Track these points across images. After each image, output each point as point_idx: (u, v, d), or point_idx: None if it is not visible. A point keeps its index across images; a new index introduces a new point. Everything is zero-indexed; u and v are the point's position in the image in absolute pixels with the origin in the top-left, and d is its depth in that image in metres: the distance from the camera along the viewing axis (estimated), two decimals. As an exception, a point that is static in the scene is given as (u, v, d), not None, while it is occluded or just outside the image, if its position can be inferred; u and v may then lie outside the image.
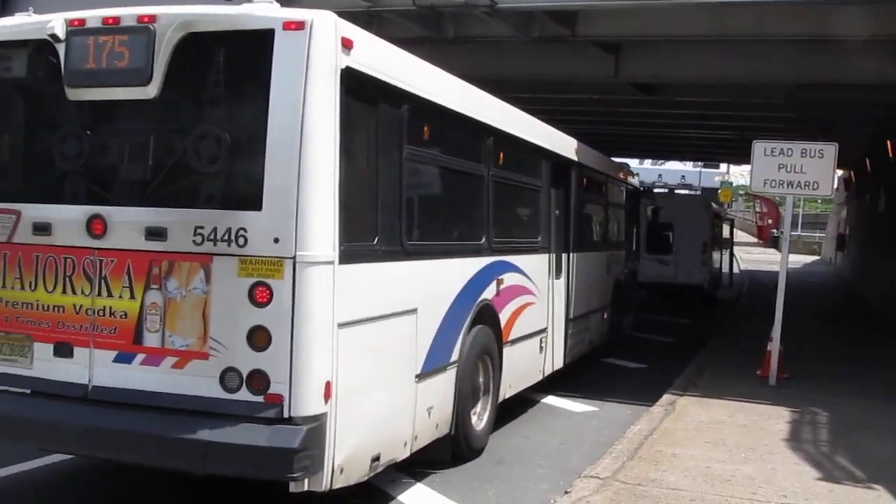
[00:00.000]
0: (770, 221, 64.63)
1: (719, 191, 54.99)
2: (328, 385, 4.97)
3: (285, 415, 4.85)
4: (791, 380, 11.23)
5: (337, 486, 5.15)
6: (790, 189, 11.09)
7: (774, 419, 9.10)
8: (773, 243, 59.83)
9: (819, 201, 62.09)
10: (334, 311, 5.01)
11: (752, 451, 7.73)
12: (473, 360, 7.26)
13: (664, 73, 16.37)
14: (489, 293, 7.65)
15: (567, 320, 10.54)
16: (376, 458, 5.65)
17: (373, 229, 5.61)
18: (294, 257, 4.83)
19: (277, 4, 5.06)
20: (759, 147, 11.24)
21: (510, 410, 8.88)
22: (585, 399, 10.26)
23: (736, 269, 32.38)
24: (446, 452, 7.01)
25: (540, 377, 9.61)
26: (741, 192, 74.09)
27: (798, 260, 43.63)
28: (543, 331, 9.56)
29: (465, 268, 7.18)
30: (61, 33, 5.24)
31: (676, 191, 26.09)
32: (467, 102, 7.19)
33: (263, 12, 4.99)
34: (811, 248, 56.33)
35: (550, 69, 16.59)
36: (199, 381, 4.98)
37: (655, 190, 24.10)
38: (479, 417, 7.63)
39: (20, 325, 5.42)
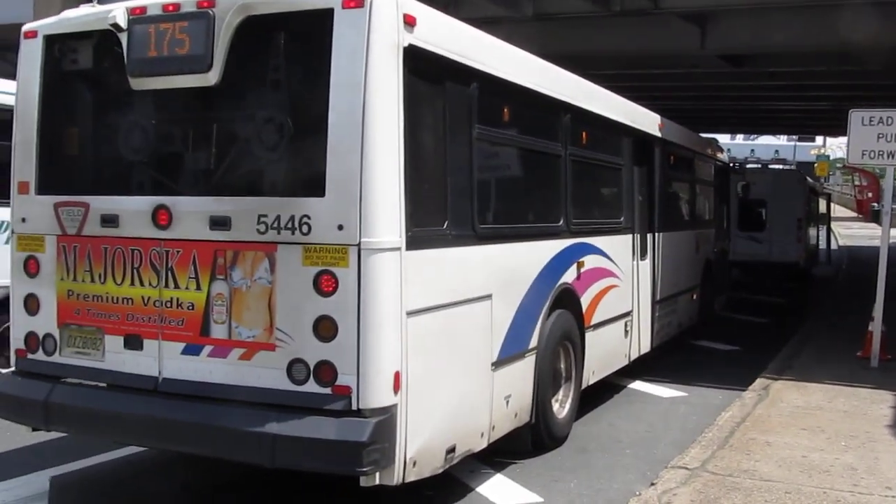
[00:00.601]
0: (870, 195, 62.26)
1: (815, 164, 53.24)
2: (397, 375, 4.80)
3: (354, 407, 4.69)
4: (894, 362, 10.67)
5: (409, 479, 4.97)
6: (891, 160, 10.53)
7: (877, 404, 8.61)
8: (874, 217, 57.56)
9: (923, 172, 59.44)
10: (402, 299, 4.82)
11: (852, 438, 7.30)
12: (554, 345, 7.01)
13: (753, 44, 15.79)
14: (569, 276, 7.39)
15: (654, 302, 10.18)
16: (451, 450, 5.46)
17: (442, 213, 5.39)
18: (359, 244, 4.66)
19: None
20: (856, 116, 10.68)
21: (594, 396, 8.62)
22: (674, 384, 9.93)
23: (834, 246, 31.24)
24: (527, 442, 6.80)
25: (625, 362, 9.30)
26: (838, 165, 71.42)
27: (900, 234, 41.95)
28: (628, 314, 9.24)
29: (543, 251, 6.93)
30: (123, 22, 5.17)
31: (770, 166, 25.19)
32: (540, 78, 6.90)
33: None
34: (914, 221, 53.80)
35: (633, 44, 16.29)
36: (267, 373, 4.88)
37: (748, 165, 23.25)
38: (561, 405, 7.39)
39: (92, 318, 5.41)
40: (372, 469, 4.68)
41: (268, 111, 4.96)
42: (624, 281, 9.00)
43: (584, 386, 7.85)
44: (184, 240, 5.10)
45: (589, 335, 7.86)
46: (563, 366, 7.41)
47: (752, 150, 61.75)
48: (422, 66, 5.06)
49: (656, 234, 10.27)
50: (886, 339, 10.72)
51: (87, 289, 5.41)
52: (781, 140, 64.39)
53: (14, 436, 6.54)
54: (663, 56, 17.43)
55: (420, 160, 5.11)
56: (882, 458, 6.76)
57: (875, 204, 59.31)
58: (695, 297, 12.52)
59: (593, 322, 8.02)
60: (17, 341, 5.71)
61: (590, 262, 7.91)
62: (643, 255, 9.75)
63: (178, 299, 5.13)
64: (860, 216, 63.05)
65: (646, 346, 9.99)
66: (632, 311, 9.34)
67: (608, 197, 9.17)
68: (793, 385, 9.33)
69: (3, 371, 5.80)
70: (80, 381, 5.47)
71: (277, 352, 4.86)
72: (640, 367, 9.98)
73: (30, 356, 5.65)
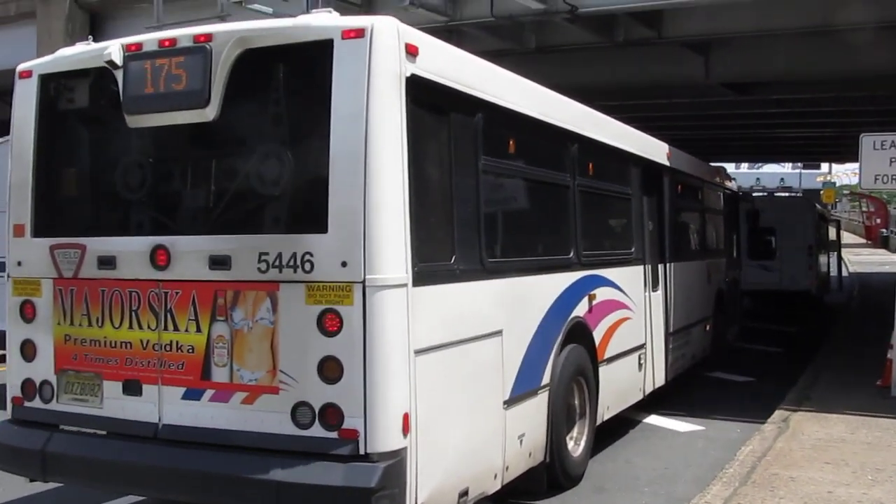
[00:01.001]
0: (878, 220, 62.34)
1: (821, 192, 53.17)
2: (406, 417, 4.59)
3: (361, 451, 4.49)
4: (915, 390, 10.41)
5: None
6: None
7: None
8: (883, 243, 57.61)
9: (935, 196, 59.53)
10: (410, 338, 4.64)
11: (879, 471, 7.04)
12: (567, 381, 6.80)
13: (758, 71, 15.76)
14: (581, 310, 7.19)
15: (667, 334, 9.96)
16: (464, 493, 5.24)
17: (449, 248, 5.22)
18: (363, 281, 4.48)
19: (336, 14, 4.75)
20: (867, 141, 10.47)
21: (610, 432, 8.39)
22: (690, 417, 9.69)
23: (845, 272, 31.01)
24: (542, 482, 6.57)
25: (640, 396, 9.07)
26: (845, 191, 71.41)
27: (912, 259, 41.78)
28: (642, 347, 9.01)
29: (553, 284, 6.74)
30: (118, 59, 5.05)
31: (776, 194, 25.27)
32: (546, 107, 6.76)
33: (321, 22, 4.69)
34: (928, 246, 53.95)
35: (638, 74, 16.30)
36: (270, 417, 4.68)
37: (754, 194, 23.27)
38: (576, 442, 7.15)
39: (90, 363, 5.23)
40: None
41: (267, 146, 4.84)
42: (636, 313, 8.79)
43: (598, 422, 7.62)
44: (183, 280, 4.93)
45: (602, 369, 7.63)
46: (576, 402, 7.18)
47: (758, 179, 61.89)
48: (425, 97, 4.92)
49: (668, 265, 10.07)
50: (905, 368, 10.42)
51: (85, 333, 5.23)
52: (786, 168, 64.47)
53: (13, 486, 6.32)
54: (668, 85, 17.36)
55: (425, 193, 4.96)
56: (912, 492, 6.52)
57: (884, 230, 59.31)
58: (708, 327, 12.29)
59: (607, 356, 7.81)
60: (13, 388, 5.52)
61: (601, 294, 7.71)
62: (655, 286, 9.55)
63: (177, 342, 4.93)
64: (869, 242, 62.98)
65: (661, 380, 9.75)
66: (645, 344, 9.12)
67: (618, 227, 8.98)
68: (812, 416, 9.09)
69: (1, 420, 5.58)
70: (78, 428, 5.28)
71: (281, 395, 4.66)
72: (656, 401, 9.75)
73: (27, 404, 5.47)
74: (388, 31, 4.63)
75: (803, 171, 64.82)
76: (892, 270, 32.19)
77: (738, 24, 13.35)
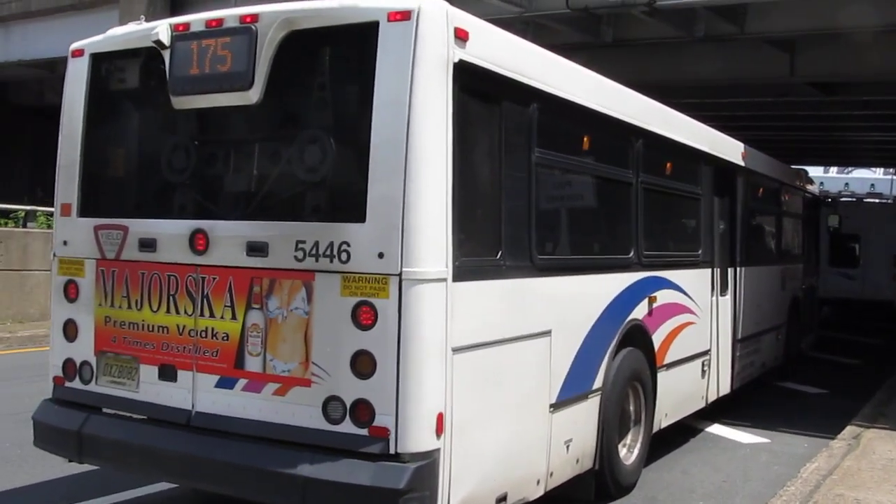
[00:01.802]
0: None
1: (913, 199, 51.28)
2: (440, 417, 4.40)
3: (391, 450, 4.31)
4: None
5: None
6: None
7: None
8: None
9: None
10: (448, 335, 4.43)
11: None
12: (621, 386, 6.52)
13: (847, 71, 15.24)
14: (639, 312, 6.90)
15: (734, 341, 9.57)
16: (502, 499, 5.03)
17: (496, 242, 4.99)
18: (400, 274, 4.29)
19: None
20: None
21: (669, 440, 8.09)
22: (755, 429, 9.31)
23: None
24: (590, 490, 6.30)
25: (702, 404, 8.71)
26: (939, 198, 68.84)
27: None
28: (706, 353, 8.66)
29: (610, 285, 6.46)
30: (166, 39, 4.93)
31: (865, 200, 24.65)
32: (609, 100, 6.46)
33: (368, 3, 4.49)
34: None
35: (718, 71, 15.85)
36: (301, 410, 4.54)
37: (842, 199, 22.67)
38: (629, 450, 6.87)
39: (128, 346, 5.16)
40: None
41: (309, 131, 4.69)
42: (701, 318, 8.44)
43: (655, 430, 7.32)
44: (220, 266, 4.82)
45: (661, 375, 7.33)
46: (631, 408, 6.90)
47: (847, 184, 59.79)
48: (474, 84, 4.71)
49: (738, 269, 9.66)
50: None
51: (124, 315, 5.17)
52: (878, 174, 62.05)
53: (52, 465, 6.35)
54: (750, 84, 16.86)
55: (471, 184, 4.76)
56: None
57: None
58: (780, 336, 11.81)
59: (666, 361, 7.49)
60: (55, 368, 5.50)
61: (663, 296, 7.40)
62: (723, 291, 9.17)
63: (213, 329, 4.83)
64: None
65: (725, 388, 9.37)
66: (710, 350, 8.75)
67: (685, 228, 8.62)
68: (887, 434, 8.64)
69: (43, 399, 5.58)
70: (115, 411, 5.24)
71: (313, 388, 4.52)
72: (720, 409, 9.41)
73: (67, 384, 5.45)
74: (436, 13, 4.42)
75: (894, 177, 62.52)
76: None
77: (826, 21, 12.85)
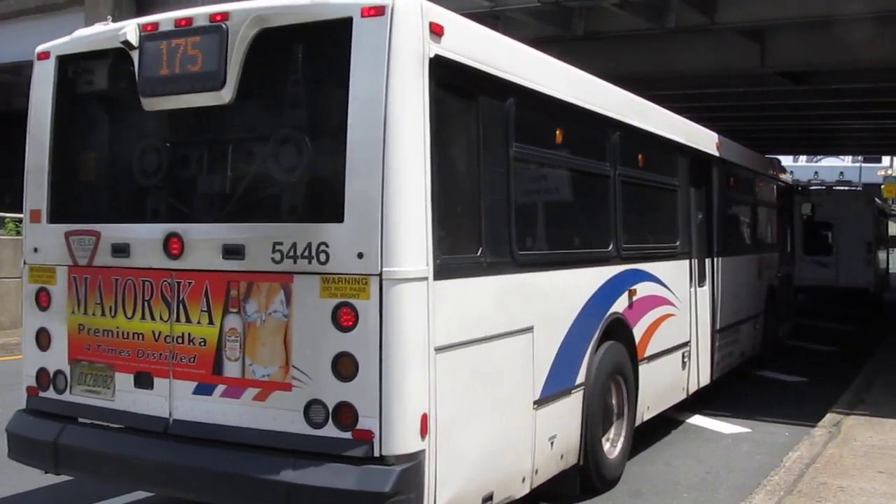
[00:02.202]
0: (940, 216, 61.10)
1: (882, 186, 51.87)
2: (425, 418, 4.36)
3: (376, 453, 4.26)
4: (977, 395, 9.96)
5: None
6: None
7: None
8: (944, 240, 56.35)
9: None
10: (430, 334, 4.39)
11: None
12: (603, 380, 6.51)
13: (817, 59, 15.28)
14: (620, 306, 6.88)
15: (713, 332, 9.58)
16: (489, 498, 4.99)
17: (476, 239, 4.95)
18: (380, 274, 4.25)
19: None
20: None
21: (650, 433, 8.07)
22: (736, 419, 9.35)
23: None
24: (575, 485, 6.28)
25: (683, 395, 8.72)
26: (908, 185, 69.73)
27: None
28: (686, 344, 8.66)
29: (590, 279, 6.44)
30: (134, 39, 4.85)
31: (835, 188, 25.06)
32: (585, 93, 6.44)
33: (339, 0, 4.43)
34: None
35: (689, 62, 15.87)
36: (282, 415, 4.48)
37: (812, 187, 23.00)
38: (613, 444, 6.85)
39: (102, 354, 5.07)
40: None
41: (284, 130, 4.62)
42: (681, 309, 8.45)
43: (638, 422, 7.31)
44: (196, 270, 4.74)
45: (643, 368, 7.32)
46: (614, 402, 6.89)
47: (816, 173, 60.62)
48: (451, 79, 4.66)
49: (715, 259, 9.68)
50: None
51: (98, 323, 5.08)
52: (846, 161, 62.87)
53: (30, 477, 6.23)
54: (721, 74, 16.86)
55: (450, 181, 4.71)
56: (971, 506, 6.13)
57: (947, 226, 57.89)
58: (758, 325, 11.88)
59: (647, 354, 7.49)
60: (28, 378, 5.39)
61: (643, 289, 7.38)
62: (701, 282, 9.18)
63: (189, 334, 4.75)
64: (930, 239, 61.67)
65: (705, 379, 9.39)
66: (690, 342, 8.76)
67: (662, 220, 8.59)
68: (866, 421, 8.72)
69: (17, 410, 5.47)
70: (91, 421, 5.14)
71: (294, 392, 4.45)
72: (700, 400, 9.43)
73: (41, 394, 5.34)
74: (410, 7, 4.36)
75: (863, 164, 63.27)
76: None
77: (797, 9, 12.95)
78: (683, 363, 8.58)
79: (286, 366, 4.47)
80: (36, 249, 5.39)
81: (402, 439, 4.28)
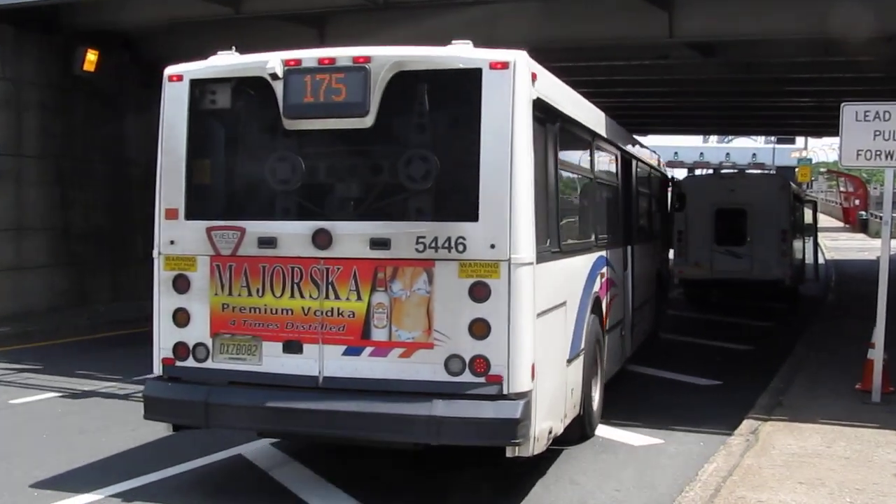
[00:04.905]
0: (857, 202, 69.20)
1: (797, 169, 58.48)
2: (533, 366, 8.30)
3: (504, 392, 8.13)
4: (898, 394, 12.62)
5: (535, 452, 8.51)
6: (889, 161, 12.35)
7: (883, 447, 10.25)
8: (862, 227, 64.28)
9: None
10: (534, 304, 8.39)
11: (858, 492, 8.64)
12: (592, 346, 11.24)
13: (728, 31, 18.95)
14: (597, 286, 11.86)
15: (633, 310, 15.42)
16: (550, 431, 9.08)
17: (546, 233, 9.13)
18: (509, 260, 8.16)
19: (471, 44, 8.54)
20: (849, 111, 12.53)
21: (552, 448, 9.76)
22: (646, 428, 11.80)
23: (821, 260, 35.12)
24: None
25: (620, 366, 14.31)
26: (821, 169, 77.43)
27: (896, 246, 46.46)
28: (623, 319, 14.35)
29: (587, 263, 11.33)
30: (280, 72, 8.68)
31: (748, 171, 28.90)
32: (586, 113, 11.55)
33: (469, 54, 8.45)
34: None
35: (592, 31, 19.52)
36: (425, 368, 8.32)
37: (723, 171, 27.26)
38: (594, 400, 11.48)
39: (248, 328, 8.86)
40: (522, 441, 8.10)
41: (420, 149, 8.47)
42: (621, 290, 14.06)
43: (603, 384, 12.04)
44: (344, 258, 8.54)
45: (607, 337, 12.49)
46: (596, 366, 11.62)
47: (728, 154, 67.60)
48: (539, 113, 8.76)
49: (633, 247, 15.49)
50: (889, 369, 12.68)
51: (243, 302, 8.86)
52: (759, 142, 69.95)
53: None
54: (627, 45, 20.84)
55: (539, 190, 8.71)
56: (895, 515, 8.21)
57: (863, 212, 65.47)
58: (652, 306, 18.38)
59: (608, 326, 12.66)
60: (164, 350, 9.18)
61: (606, 272, 12.64)
62: (625, 267, 14.69)
63: (338, 309, 8.58)
64: (847, 226, 70.07)
65: (629, 351, 15.29)
66: (624, 318, 14.55)
67: (609, 212, 13.86)
68: (785, 427, 11.01)
69: (150, 378, 9.30)
70: (236, 381, 8.85)
71: (436, 349, 8.32)
72: (607, 407, 12.09)
73: (178, 363, 9.14)
74: (524, 63, 8.38)
75: (777, 145, 70.50)
76: (873, 257, 35.75)
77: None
78: (622, 336, 14.34)
79: (429, 330, 8.33)
80: (172, 242, 9.13)
81: (521, 381, 8.18)
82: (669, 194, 22.36)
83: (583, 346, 10.93)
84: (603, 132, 12.74)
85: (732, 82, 25.53)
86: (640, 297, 16.27)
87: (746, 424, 11.19)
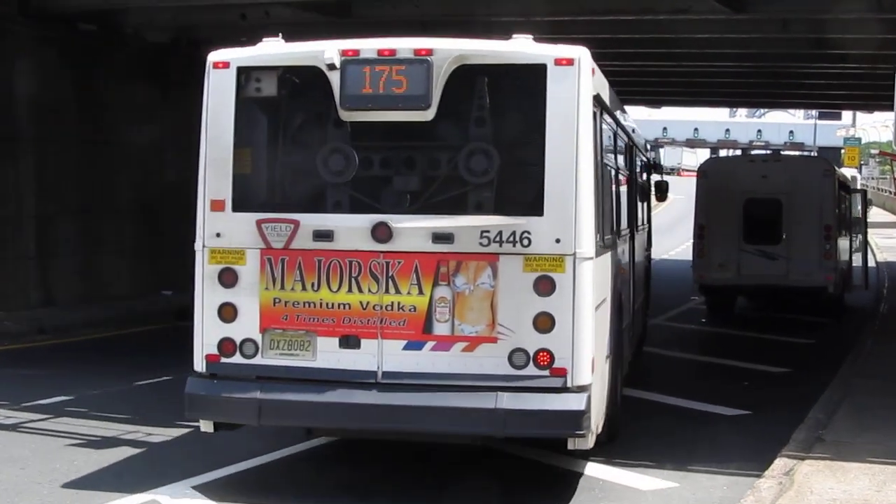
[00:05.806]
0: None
1: (842, 150, 57.40)
2: (594, 360, 9.37)
3: (568, 384, 9.15)
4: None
5: (591, 446, 9.44)
6: None
7: None
8: (923, 222, 62.91)
9: None
10: (594, 297, 9.42)
11: None
12: (619, 344, 12.20)
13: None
14: (618, 282, 12.46)
15: (633, 312, 16.29)
16: (598, 426, 9.87)
17: (602, 228, 10.25)
18: (574, 254, 9.17)
19: (531, 38, 9.43)
20: None
21: (548, 491, 10.32)
22: (658, 469, 11.30)
23: (871, 263, 34.61)
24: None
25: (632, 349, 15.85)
26: (872, 151, 76.15)
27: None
28: (630, 323, 15.19)
29: (613, 259, 11.83)
30: (337, 62, 9.34)
31: (783, 153, 27.84)
32: (617, 104, 12.91)
33: (533, 49, 9.44)
34: None
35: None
36: (488, 361, 9.28)
37: (754, 152, 26.10)
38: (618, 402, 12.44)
39: (301, 323, 9.61)
40: (585, 432, 9.08)
41: (483, 143, 9.41)
42: (629, 289, 15.05)
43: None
44: (406, 252, 9.40)
45: (624, 337, 13.61)
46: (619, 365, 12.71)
47: (759, 132, 66.25)
48: (596, 107, 9.90)
49: (635, 241, 16.62)
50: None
51: (297, 296, 9.61)
52: (797, 117, 68.72)
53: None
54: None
55: (597, 186, 9.84)
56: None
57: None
58: (642, 311, 19.02)
59: (624, 325, 13.63)
60: (208, 347, 9.81)
61: (623, 269, 13.62)
62: (631, 263, 15.83)
63: (399, 303, 9.45)
64: (903, 220, 68.61)
65: (628, 359, 15.76)
66: (633, 320, 15.78)
67: (625, 204, 15.00)
68: (826, 466, 10.61)
69: (191, 376, 9.86)
70: (288, 378, 9.59)
71: (499, 343, 9.30)
72: (608, 444, 11.45)
73: (223, 360, 9.77)
74: (587, 59, 9.37)
75: (819, 121, 69.27)
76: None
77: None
78: (629, 339, 15.20)
79: (492, 324, 9.32)
80: (218, 234, 9.73)
81: (584, 374, 9.23)
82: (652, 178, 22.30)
83: (613, 343, 11.79)
84: (625, 122, 14.27)
85: (766, 43, 24.72)
86: (637, 297, 17.19)
87: (780, 463, 10.71)
